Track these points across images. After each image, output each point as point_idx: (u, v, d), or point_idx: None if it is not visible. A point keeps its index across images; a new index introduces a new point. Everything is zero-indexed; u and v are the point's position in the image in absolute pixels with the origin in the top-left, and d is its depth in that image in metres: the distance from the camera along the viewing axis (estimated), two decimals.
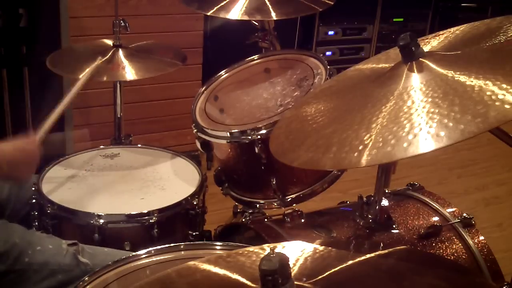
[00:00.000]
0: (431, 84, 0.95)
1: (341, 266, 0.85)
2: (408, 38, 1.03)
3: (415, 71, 1.00)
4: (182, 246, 1.19)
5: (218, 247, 1.17)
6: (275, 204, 1.62)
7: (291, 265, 0.73)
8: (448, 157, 3.30)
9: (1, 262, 1.27)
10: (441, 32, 1.22)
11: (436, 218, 1.51)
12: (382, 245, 1.40)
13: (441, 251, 1.43)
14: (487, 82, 0.89)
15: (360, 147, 0.90)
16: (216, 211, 1.97)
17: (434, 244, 1.44)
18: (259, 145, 1.50)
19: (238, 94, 1.77)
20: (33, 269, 1.29)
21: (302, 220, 1.49)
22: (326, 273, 0.81)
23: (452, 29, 1.20)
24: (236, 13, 1.82)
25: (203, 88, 1.78)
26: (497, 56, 0.99)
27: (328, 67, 1.62)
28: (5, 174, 1.34)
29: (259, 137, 1.50)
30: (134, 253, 1.15)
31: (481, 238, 1.47)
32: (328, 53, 3.68)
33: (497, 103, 0.84)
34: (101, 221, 1.43)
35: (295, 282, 0.73)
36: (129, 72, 1.86)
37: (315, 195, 1.62)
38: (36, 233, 1.41)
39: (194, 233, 1.59)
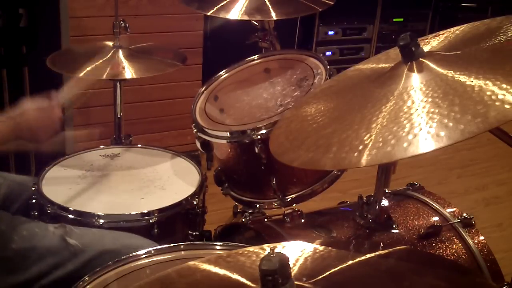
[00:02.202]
0: (431, 84, 0.95)
1: (341, 266, 0.85)
2: (408, 38, 1.03)
3: (415, 71, 1.00)
4: (182, 246, 1.19)
5: (218, 247, 1.17)
6: (275, 204, 1.62)
7: (291, 265, 0.73)
8: (448, 157, 3.30)
9: None
10: (441, 32, 1.22)
11: (436, 218, 1.51)
12: (382, 245, 1.40)
13: (441, 251, 1.43)
14: (487, 82, 0.89)
15: (360, 147, 0.90)
16: (216, 211, 1.97)
17: (434, 244, 1.44)
18: (259, 145, 1.50)
19: (238, 94, 1.77)
20: (21, 254, 1.28)
21: (302, 220, 1.49)
22: (326, 273, 0.81)
23: (452, 29, 1.20)
24: (236, 13, 1.81)
25: (203, 88, 1.78)
26: (497, 56, 0.99)
27: (328, 67, 1.62)
28: (26, 136, 1.34)
29: (259, 137, 1.50)
30: (134, 253, 1.15)
31: (481, 238, 1.47)
32: (328, 53, 3.69)
33: (497, 103, 0.84)
34: (101, 221, 1.43)
35: (295, 282, 0.73)
36: (129, 72, 1.86)
37: (315, 195, 1.62)
38: (22, 218, 1.39)
39: (194, 233, 1.59)
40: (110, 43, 1.96)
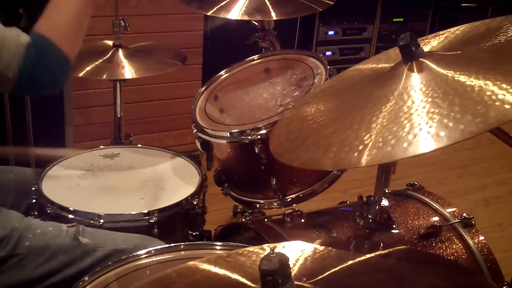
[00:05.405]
0: (431, 84, 0.95)
1: (341, 266, 0.85)
2: (408, 38, 1.03)
3: (415, 71, 1.01)
4: (182, 246, 1.19)
5: (218, 247, 1.17)
6: (275, 204, 1.62)
7: (291, 265, 0.73)
8: (448, 157, 3.30)
9: (1, 247, 1.27)
10: (441, 32, 1.22)
11: (436, 218, 1.51)
12: (382, 245, 1.40)
13: (441, 251, 1.43)
14: (487, 82, 0.89)
15: (360, 147, 0.90)
16: (216, 211, 1.97)
17: (434, 244, 1.44)
18: (259, 145, 1.50)
19: (238, 94, 1.77)
20: (34, 252, 1.29)
21: (302, 220, 1.49)
22: (326, 273, 0.81)
23: (452, 29, 1.20)
24: (236, 13, 1.81)
25: (203, 88, 1.78)
26: (497, 56, 0.99)
27: (328, 67, 1.62)
28: None
29: (259, 137, 1.50)
30: (134, 253, 1.15)
31: (481, 238, 1.47)
32: (328, 53, 3.69)
33: (497, 103, 0.84)
34: (101, 221, 1.43)
35: (295, 282, 0.73)
36: (128, 71, 1.86)
37: (315, 195, 1.62)
38: (34, 219, 1.41)
39: (194, 233, 1.59)
40: (110, 43, 1.97)
